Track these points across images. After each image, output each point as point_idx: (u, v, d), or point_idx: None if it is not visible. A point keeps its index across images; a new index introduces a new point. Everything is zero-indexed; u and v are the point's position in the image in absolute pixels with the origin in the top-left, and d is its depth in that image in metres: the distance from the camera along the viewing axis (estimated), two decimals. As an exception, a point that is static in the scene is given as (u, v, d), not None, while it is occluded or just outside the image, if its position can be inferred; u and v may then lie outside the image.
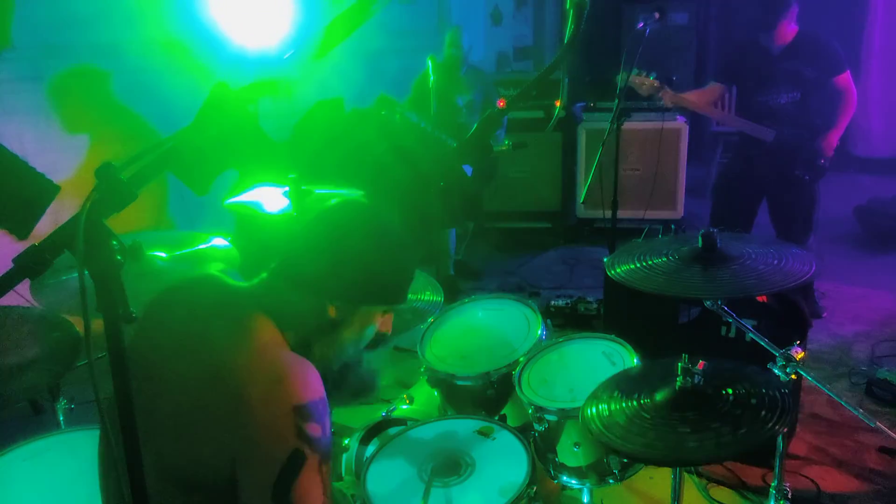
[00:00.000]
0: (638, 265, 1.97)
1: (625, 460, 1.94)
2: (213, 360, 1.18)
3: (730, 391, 1.63)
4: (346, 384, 1.44)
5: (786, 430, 1.53)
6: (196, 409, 1.16)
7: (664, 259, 1.97)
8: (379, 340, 1.46)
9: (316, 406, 1.15)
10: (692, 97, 3.88)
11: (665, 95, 3.68)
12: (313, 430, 1.14)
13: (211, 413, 1.14)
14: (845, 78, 3.68)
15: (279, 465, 1.11)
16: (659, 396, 1.66)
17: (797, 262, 1.85)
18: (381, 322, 1.42)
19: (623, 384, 1.78)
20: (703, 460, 2.02)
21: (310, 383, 1.17)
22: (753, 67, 3.74)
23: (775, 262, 1.87)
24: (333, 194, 1.38)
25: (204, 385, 1.16)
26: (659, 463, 1.76)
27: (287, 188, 2.49)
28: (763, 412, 1.56)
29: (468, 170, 4.66)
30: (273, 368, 1.16)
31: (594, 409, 1.70)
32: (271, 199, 2.54)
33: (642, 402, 1.67)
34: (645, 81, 3.63)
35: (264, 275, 1.34)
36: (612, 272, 1.97)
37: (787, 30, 3.63)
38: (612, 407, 1.69)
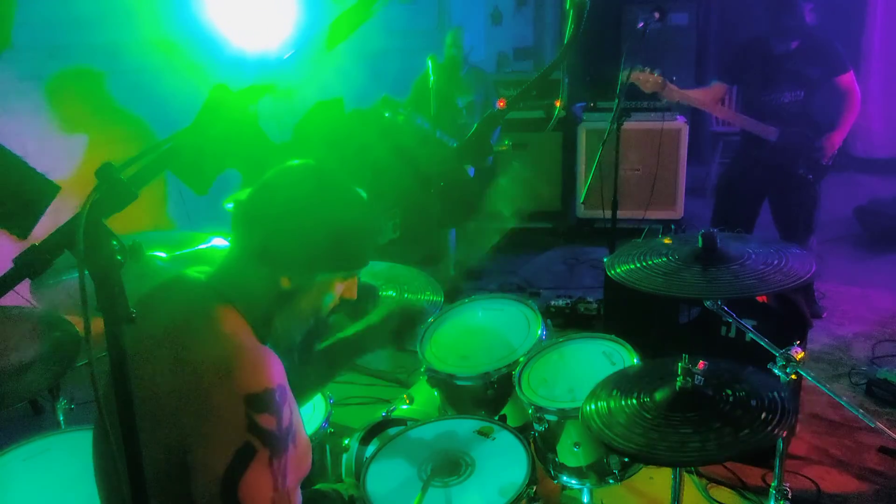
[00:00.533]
0: (638, 265, 1.97)
1: (626, 459, 1.94)
2: (180, 355, 1.17)
3: (729, 392, 1.63)
4: (312, 353, 1.43)
5: (785, 433, 1.53)
6: (164, 404, 1.15)
7: (664, 259, 1.97)
8: (345, 307, 1.41)
9: (271, 395, 1.12)
10: (696, 94, 3.87)
11: (669, 91, 3.66)
12: (266, 421, 1.11)
13: (174, 405, 1.13)
14: (849, 78, 3.68)
15: (228, 458, 1.09)
16: (659, 396, 1.67)
17: (797, 263, 1.85)
18: (343, 288, 1.36)
19: (622, 383, 1.79)
20: (706, 460, 2.02)
21: (266, 371, 1.14)
22: (756, 67, 3.74)
23: (775, 262, 1.87)
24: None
25: (172, 380, 1.15)
26: (663, 463, 1.76)
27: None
28: (764, 414, 1.56)
29: (471, 171, 4.66)
30: (227, 356, 1.14)
31: (593, 407, 1.71)
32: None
33: (642, 400, 1.68)
34: (649, 78, 3.60)
35: (223, 258, 1.32)
36: (612, 272, 1.97)
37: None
38: (612, 405, 1.69)
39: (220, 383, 1.11)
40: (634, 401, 1.68)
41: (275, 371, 1.15)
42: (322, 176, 1.30)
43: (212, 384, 1.11)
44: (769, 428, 1.52)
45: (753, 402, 1.59)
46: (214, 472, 1.09)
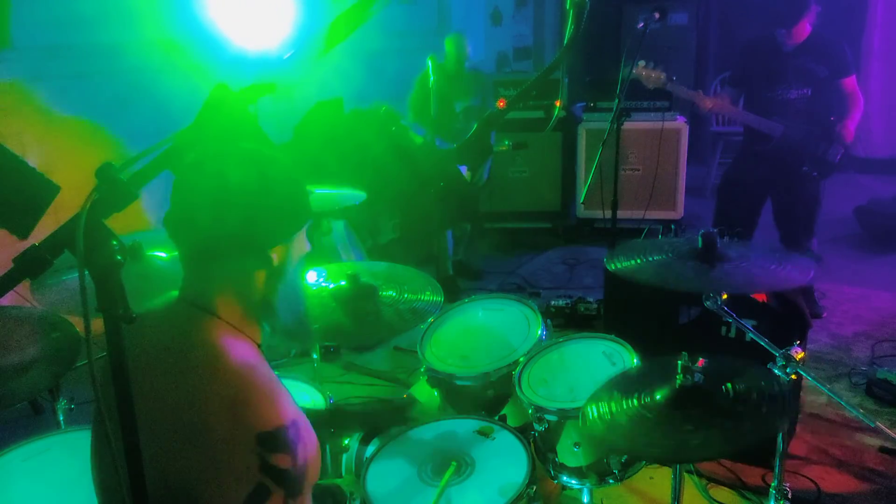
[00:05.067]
0: (639, 261, 1.96)
1: (623, 459, 1.94)
2: (179, 389, 1.10)
3: (729, 386, 1.63)
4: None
5: (787, 427, 1.53)
6: (165, 439, 1.08)
7: (664, 256, 1.97)
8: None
9: (285, 433, 1.07)
10: (722, 102, 3.86)
11: (704, 101, 3.72)
12: (280, 461, 1.06)
13: (177, 442, 1.07)
14: (852, 82, 3.71)
15: (240, 500, 1.04)
16: (659, 395, 1.67)
17: (797, 266, 1.86)
18: (300, 242, 1.31)
19: (622, 385, 1.79)
20: (708, 456, 2.02)
21: (277, 407, 1.08)
22: (764, 64, 3.75)
23: (775, 264, 1.88)
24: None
25: (172, 415, 1.09)
26: (666, 461, 1.76)
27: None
28: (764, 408, 1.56)
29: (463, 170, 4.64)
30: (236, 392, 1.07)
31: (595, 412, 1.71)
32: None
33: (643, 401, 1.68)
34: (651, 74, 3.62)
35: (187, 272, 1.23)
36: (612, 265, 1.96)
37: (803, 29, 3.64)
38: (614, 408, 1.69)
39: (230, 421, 1.05)
40: (635, 401, 1.68)
41: (286, 406, 1.10)
42: (233, 159, 1.20)
43: (219, 422, 1.05)
44: (771, 420, 1.51)
45: (754, 396, 1.59)
46: None
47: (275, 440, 1.06)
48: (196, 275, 1.22)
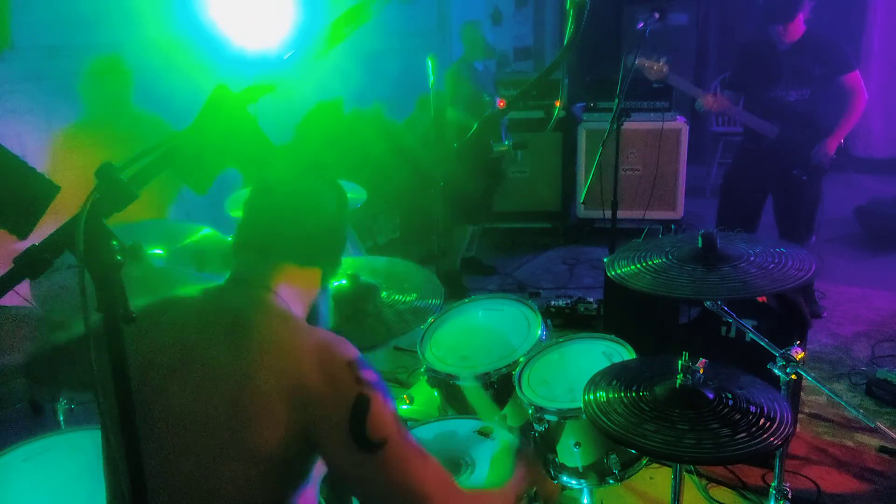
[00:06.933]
0: (638, 266, 1.96)
1: (614, 457, 1.92)
2: (281, 363, 1.23)
3: (730, 396, 1.63)
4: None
5: (781, 443, 1.52)
6: (276, 399, 1.20)
7: (663, 259, 1.97)
8: None
9: (364, 359, 1.27)
10: (722, 100, 3.85)
11: (705, 98, 3.75)
12: (369, 375, 1.24)
13: (292, 398, 1.20)
14: (854, 77, 3.68)
15: (348, 412, 1.20)
16: (658, 390, 1.67)
17: (796, 263, 1.85)
18: None
19: (622, 374, 1.79)
20: (698, 459, 2.02)
21: (349, 345, 1.28)
22: (761, 66, 3.74)
23: (775, 262, 1.87)
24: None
25: (279, 381, 1.21)
26: (655, 455, 1.75)
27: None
28: (762, 421, 1.55)
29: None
30: (317, 340, 1.26)
31: (592, 396, 1.71)
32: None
33: (641, 393, 1.68)
34: (654, 65, 3.62)
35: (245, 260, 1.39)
36: (612, 272, 1.97)
37: (798, 27, 3.64)
38: (611, 394, 1.69)
39: (323, 361, 1.22)
40: (634, 392, 1.68)
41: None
42: (307, 169, 1.49)
43: (316, 365, 1.21)
44: (767, 435, 1.51)
45: (753, 409, 1.59)
46: (342, 431, 1.20)
47: (361, 362, 1.26)
48: (256, 261, 1.37)
